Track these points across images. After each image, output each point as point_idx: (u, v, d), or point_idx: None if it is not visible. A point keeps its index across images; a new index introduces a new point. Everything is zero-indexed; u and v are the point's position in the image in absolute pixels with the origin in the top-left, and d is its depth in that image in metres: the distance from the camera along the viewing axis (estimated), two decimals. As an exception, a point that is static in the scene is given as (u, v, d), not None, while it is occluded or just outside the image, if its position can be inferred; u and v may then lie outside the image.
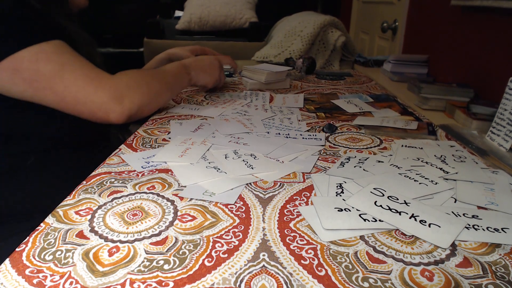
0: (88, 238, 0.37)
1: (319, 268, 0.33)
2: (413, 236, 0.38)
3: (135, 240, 0.37)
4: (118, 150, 0.59)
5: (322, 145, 0.62)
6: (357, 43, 2.34)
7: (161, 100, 0.71)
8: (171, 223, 0.40)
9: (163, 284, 0.31)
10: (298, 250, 0.36)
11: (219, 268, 0.33)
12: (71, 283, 0.31)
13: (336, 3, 2.89)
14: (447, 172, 0.51)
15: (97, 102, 0.58)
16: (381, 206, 0.42)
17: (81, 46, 0.65)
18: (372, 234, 0.38)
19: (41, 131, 0.63)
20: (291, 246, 0.36)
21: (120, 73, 0.64)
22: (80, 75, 0.58)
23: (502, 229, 0.39)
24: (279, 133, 0.67)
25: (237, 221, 0.40)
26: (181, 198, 0.45)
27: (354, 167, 0.53)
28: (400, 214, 0.41)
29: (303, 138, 0.65)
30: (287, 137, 0.65)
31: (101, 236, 0.37)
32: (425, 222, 0.39)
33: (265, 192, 0.46)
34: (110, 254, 0.35)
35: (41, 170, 0.64)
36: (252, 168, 0.53)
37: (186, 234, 0.38)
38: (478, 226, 0.40)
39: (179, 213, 0.42)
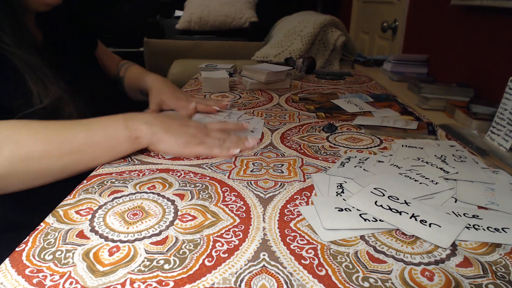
0: (89, 238, 0.37)
1: (320, 268, 0.33)
2: (413, 236, 0.38)
3: (136, 239, 0.37)
4: None
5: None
6: (357, 42, 2.34)
7: (47, 172, 0.47)
8: (172, 223, 0.40)
9: (163, 284, 0.31)
10: (299, 250, 0.36)
11: (219, 268, 0.33)
12: (71, 283, 0.31)
13: (336, 3, 2.90)
14: (448, 172, 0.51)
15: None
16: (381, 206, 0.42)
17: (32, 77, 0.57)
18: (373, 234, 0.38)
19: None
20: (292, 246, 0.36)
21: None
22: None
23: (502, 229, 0.39)
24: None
25: (238, 220, 0.40)
26: (182, 197, 0.45)
27: (355, 167, 0.53)
28: (400, 214, 0.41)
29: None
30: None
31: (101, 236, 0.37)
32: (426, 222, 0.39)
33: (265, 192, 0.46)
34: (111, 253, 0.35)
35: None
36: None
37: (186, 233, 0.38)
38: (479, 226, 0.40)
39: (179, 213, 0.42)
